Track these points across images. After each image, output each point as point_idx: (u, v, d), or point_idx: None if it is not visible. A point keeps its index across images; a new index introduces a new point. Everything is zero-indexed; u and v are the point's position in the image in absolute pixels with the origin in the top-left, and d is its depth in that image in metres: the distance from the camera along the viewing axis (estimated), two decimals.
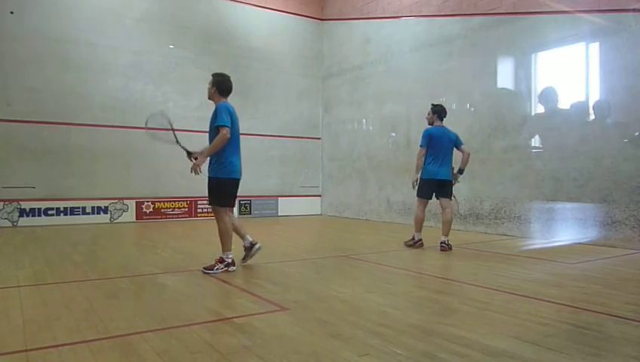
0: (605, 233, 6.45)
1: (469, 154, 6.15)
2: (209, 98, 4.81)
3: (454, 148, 6.14)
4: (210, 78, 4.79)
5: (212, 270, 4.46)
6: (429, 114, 6.24)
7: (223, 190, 4.60)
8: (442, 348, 2.46)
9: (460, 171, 6.19)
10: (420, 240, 6.13)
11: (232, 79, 4.81)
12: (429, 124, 6.23)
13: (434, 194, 6.14)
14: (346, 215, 11.59)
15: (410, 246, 6.17)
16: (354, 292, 3.80)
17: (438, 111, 6.15)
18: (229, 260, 4.55)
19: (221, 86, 4.72)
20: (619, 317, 3.06)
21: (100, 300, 3.48)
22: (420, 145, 6.04)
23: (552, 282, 4.16)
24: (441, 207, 6.16)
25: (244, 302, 3.50)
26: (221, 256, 4.57)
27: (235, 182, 4.69)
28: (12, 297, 3.57)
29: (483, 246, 6.57)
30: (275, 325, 2.89)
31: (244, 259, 4.90)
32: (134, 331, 2.76)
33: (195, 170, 4.51)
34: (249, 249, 4.88)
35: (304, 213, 12.11)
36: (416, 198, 6.23)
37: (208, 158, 4.58)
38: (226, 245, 4.57)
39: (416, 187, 6.13)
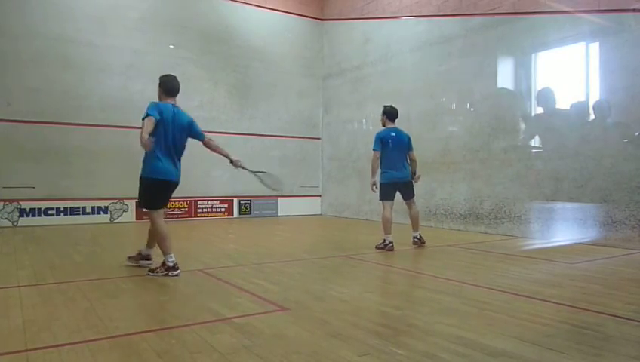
0: (605, 233, 6.45)
1: (415, 162, 6.23)
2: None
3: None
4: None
5: (153, 272, 4.38)
6: (382, 115, 6.26)
7: (147, 190, 4.41)
8: (442, 348, 2.46)
9: (413, 174, 6.22)
10: (391, 243, 6.02)
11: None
12: (382, 126, 6.25)
13: (400, 195, 6.20)
14: (345, 215, 11.59)
15: (381, 249, 6.04)
16: (354, 292, 3.80)
17: (388, 112, 6.18)
18: (170, 264, 4.35)
19: (164, 86, 4.53)
20: (619, 317, 3.06)
21: (100, 300, 3.48)
22: (373, 149, 6.07)
23: (552, 282, 4.16)
24: (407, 205, 6.31)
25: (244, 302, 3.50)
26: (163, 259, 4.41)
27: (160, 183, 4.40)
28: (12, 297, 3.57)
29: (483, 246, 6.57)
30: (275, 325, 2.89)
31: (130, 258, 4.85)
32: (134, 331, 2.76)
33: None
34: (140, 258, 4.78)
35: (304, 213, 12.11)
36: (380, 202, 6.22)
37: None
38: (164, 248, 4.39)
39: (377, 191, 6.14)
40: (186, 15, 10.73)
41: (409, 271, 4.83)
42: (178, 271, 4.37)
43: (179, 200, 10.50)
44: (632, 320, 3.00)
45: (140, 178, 4.43)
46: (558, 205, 7.06)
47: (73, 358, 2.35)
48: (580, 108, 6.93)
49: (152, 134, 4.17)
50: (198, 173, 10.49)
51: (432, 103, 9.16)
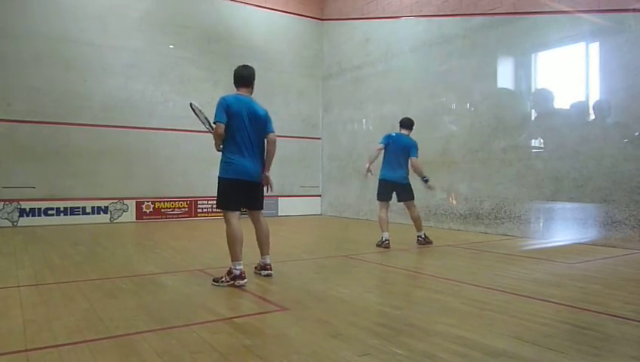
0: (605, 233, 6.45)
1: (415, 166, 6.32)
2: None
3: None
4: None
5: (217, 282, 3.99)
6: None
7: (220, 190, 4.21)
8: (442, 348, 2.46)
9: (423, 179, 6.35)
10: (387, 240, 6.17)
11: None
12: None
13: (395, 197, 6.39)
14: (346, 215, 11.59)
15: (379, 246, 6.21)
16: (354, 292, 3.80)
17: (400, 121, 6.62)
18: (237, 271, 3.93)
19: (233, 76, 4.30)
20: (619, 317, 3.06)
21: (100, 300, 3.48)
22: (379, 142, 6.42)
23: (552, 282, 4.16)
24: (406, 207, 6.49)
25: (244, 302, 3.50)
26: (230, 266, 4.02)
27: (231, 183, 4.15)
28: (12, 297, 3.57)
29: (483, 246, 6.57)
30: (275, 325, 2.89)
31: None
32: (134, 331, 2.76)
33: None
34: (258, 268, 4.47)
35: (304, 213, 12.11)
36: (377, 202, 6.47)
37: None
38: (231, 253, 4.04)
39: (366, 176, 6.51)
40: (186, 15, 10.73)
41: (409, 271, 4.83)
42: (245, 280, 3.94)
43: (179, 200, 10.51)
44: (631, 319, 3.00)
45: (218, 178, 4.19)
46: (558, 205, 7.05)
47: (73, 358, 2.35)
48: (580, 108, 6.93)
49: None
50: (198, 172, 10.50)
51: (432, 103, 9.16)
